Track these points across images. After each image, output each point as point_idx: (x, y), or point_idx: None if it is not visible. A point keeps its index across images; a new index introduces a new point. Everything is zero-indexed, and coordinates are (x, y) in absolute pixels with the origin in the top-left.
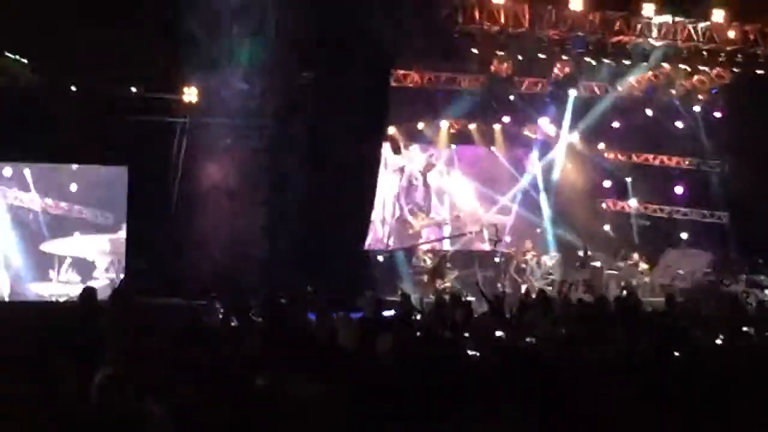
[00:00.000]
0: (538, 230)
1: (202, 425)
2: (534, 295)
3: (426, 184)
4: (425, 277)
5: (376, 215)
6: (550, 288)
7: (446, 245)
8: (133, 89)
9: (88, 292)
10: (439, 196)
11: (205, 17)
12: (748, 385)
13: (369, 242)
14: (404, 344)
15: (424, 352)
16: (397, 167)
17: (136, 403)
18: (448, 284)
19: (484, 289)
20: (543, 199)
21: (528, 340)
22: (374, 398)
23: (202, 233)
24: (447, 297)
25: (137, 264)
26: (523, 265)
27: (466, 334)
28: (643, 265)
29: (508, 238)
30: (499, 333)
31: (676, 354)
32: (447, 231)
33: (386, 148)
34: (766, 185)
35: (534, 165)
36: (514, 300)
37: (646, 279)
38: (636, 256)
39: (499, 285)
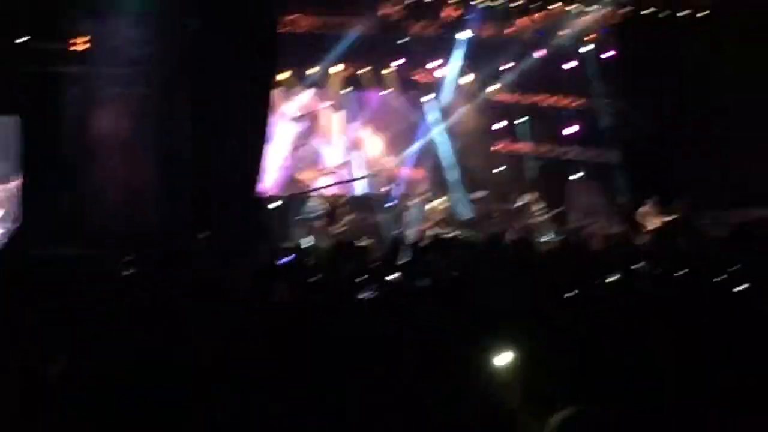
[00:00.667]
0: (432, 175)
1: (103, 380)
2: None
3: (311, 135)
4: (319, 223)
5: (273, 163)
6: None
7: (340, 191)
8: (21, 39)
9: None
10: (334, 144)
11: None
12: (640, 321)
13: (266, 191)
14: (299, 291)
15: (320, 298)
16: (291, 117)
17: (35, 363)
18: (342, 229)
19: (380, 233)
20: (440, 143)
21: (422, 282)
22: (274, 348)
23: (96, 183)
24: (341, 241)
25: None
26: (405, 211)
27: (363, 277)
28: (537, 206)
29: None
30: (392, 276)
31: (571, 294)
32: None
33: (277, 94)
34: (656, 124)
35: (429, 109)
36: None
37: (539, 219)
38: (529, 197)
39: (393, 229)
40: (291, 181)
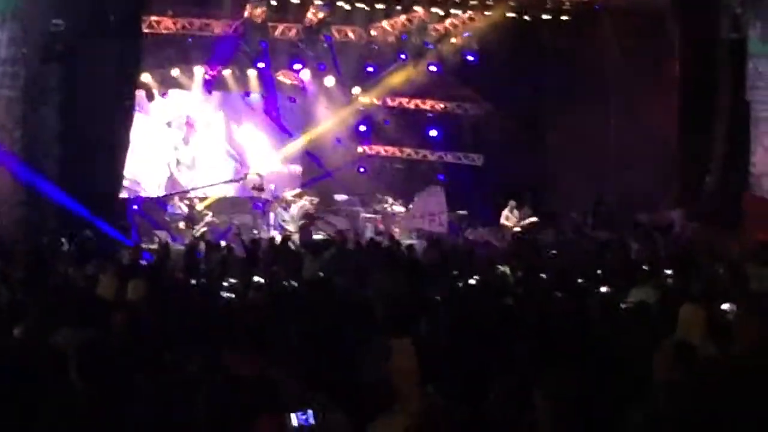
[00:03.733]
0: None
1: None
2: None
3: (189, 139)
4: (181, 224)
5: (153, 166)
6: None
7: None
8: None
9: None
10: (209, 147)
11: None
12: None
13: (144, 191)
14: (157, 291)
15: (177, 298)
16: (164, 121)
17: None
18: (203, 230)
19: (242, 235)
20: (297, 144)
21: (290, 283)
22: (131, 345)
23: None
24: (202, 243)
25: None
26: (271, 213)
27: (229, 281)
28: (399, 208)
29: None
30: (257, 278)
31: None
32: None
33: (142, 96)
34: (517, 127)
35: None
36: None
37: (402, 222)
38: (391, 199)
39: (255, 231)
40: (172, 183)
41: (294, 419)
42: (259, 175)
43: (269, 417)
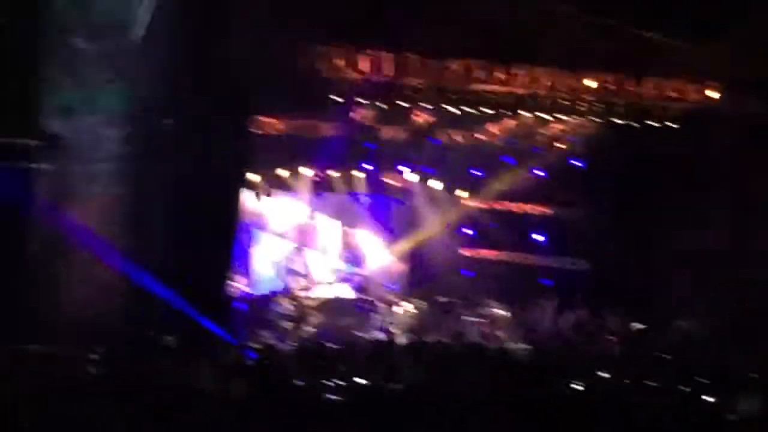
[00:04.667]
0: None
1: None
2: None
3: (299, 240)
4: (287, 324)
5: (253, 269)
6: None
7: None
8: None
9: None
10: (320, 249)
11: (65, 61)
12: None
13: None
14: (262, 390)
15: (281, 399)
16: (273, 223)
17: None
18: (309, 331)
19: (346, 337)
20: (403, 246)
21: (393, 386)
22: None
23: (63, 280)
24: (309, 344)
25: None
26: (374, 314)
27: (330, 381)
28: (503, 312)
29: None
30: (361, 380)
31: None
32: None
33: (250, 196)
34: (625, 233)
35: (398, 213)
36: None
37: (506, 325)
38: (495, 303)
39: (359, 332)
40: (282, 282)
41: None
42: (365, 277)
43: None
